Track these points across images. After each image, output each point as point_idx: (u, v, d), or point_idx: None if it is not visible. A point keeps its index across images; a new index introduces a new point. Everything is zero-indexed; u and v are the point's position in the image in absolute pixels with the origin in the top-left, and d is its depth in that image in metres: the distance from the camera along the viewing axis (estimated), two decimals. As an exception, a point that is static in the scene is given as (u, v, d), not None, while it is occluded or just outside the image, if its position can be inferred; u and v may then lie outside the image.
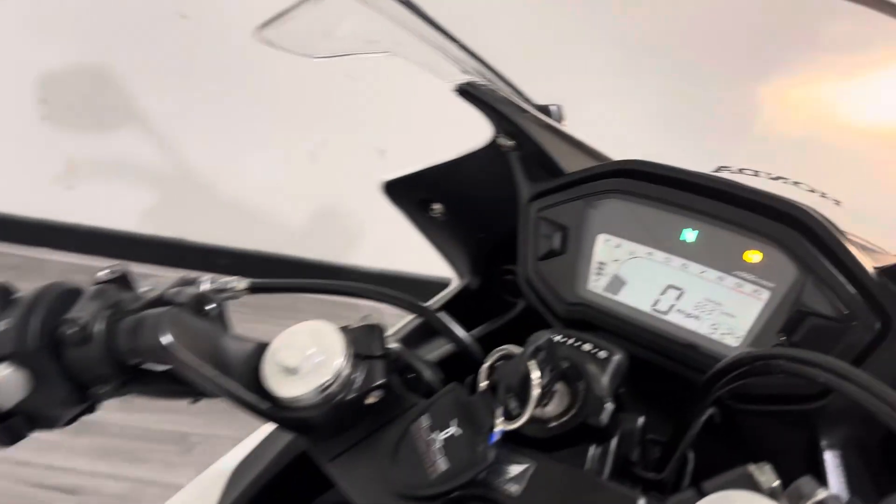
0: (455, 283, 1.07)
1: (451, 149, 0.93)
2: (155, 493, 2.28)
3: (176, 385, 0.63)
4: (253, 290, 0.71)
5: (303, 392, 0.61)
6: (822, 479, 0.65)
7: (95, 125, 2.85)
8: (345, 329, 0.66)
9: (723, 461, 0.74)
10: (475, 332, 0.89)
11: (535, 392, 0.57)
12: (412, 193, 0.97)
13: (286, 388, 0.62)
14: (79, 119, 2.84)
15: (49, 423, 0.63)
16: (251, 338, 0.65)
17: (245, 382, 0.63)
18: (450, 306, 1.04)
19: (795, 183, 0.82)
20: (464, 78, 0.78)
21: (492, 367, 0.63)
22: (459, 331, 0.69)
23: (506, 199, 0.88)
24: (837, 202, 0.80)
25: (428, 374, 0.71)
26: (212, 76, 2.70)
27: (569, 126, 0.91)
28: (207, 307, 0.67)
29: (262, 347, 0.65)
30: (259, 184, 2.92)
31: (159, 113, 2.80)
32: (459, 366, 0.71)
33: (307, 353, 0.62)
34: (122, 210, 3.04)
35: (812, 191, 0.81)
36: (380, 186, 0.96)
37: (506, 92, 0.81)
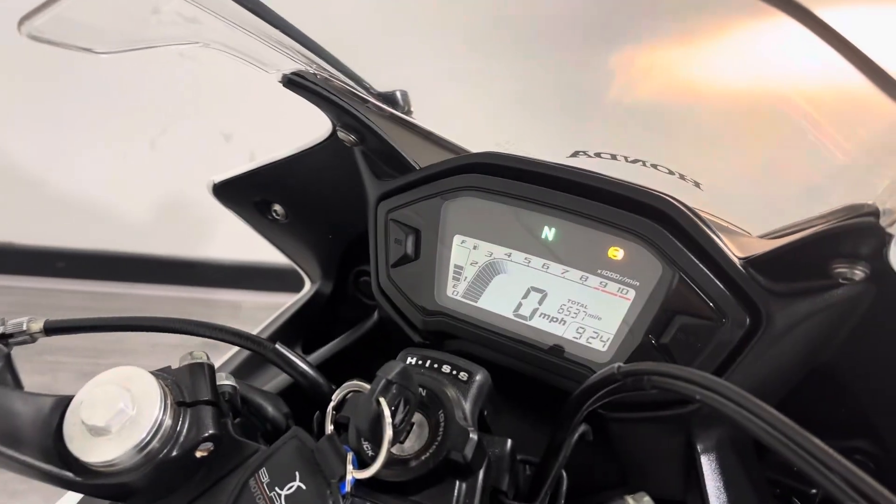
0: (306, 288, 0.98)
1: (306, 132, 0.83)
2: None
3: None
4: (49, 331, 0.59)
5: (117, 454, 0.52)
6: (699, 482, 0.61)
7: None
8: (164, 372, 0.57)
9: (598, 474, 0.70)
10: (328, 349, 0.81)
11: (388, 433, 0.50)
12: (247, 195, 0.87)
13: (95, 451, 0.52)
14: None
15: None
16: (47, 394, 0.55)
17: (42, 449, 0.52)
18: (304, 313, 0.95)
19: (653, 165, 0.78)
20: (291, 67, 0.68)
21: (340, 404, 0.55)
22: (303, 364, 0.61)
23: (353, 198, 0.80)
24: (697, 184, 0.77)
25: (271, 411, 0.63)
26: (30, 64, 2.44)
27: (417, 115, 0.84)
28: (-11, 361, 0.55)
29: (62, 404, 0.54)
30: (95, 178, 2.69)
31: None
32: (306, 395, 0.63)
33: (117, 408, 0.52)
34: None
35: (671, 173, 0.77)
36: (208, 188, 0.86)
37: (343, 81, 0.72)
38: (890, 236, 0.51)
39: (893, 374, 0.62)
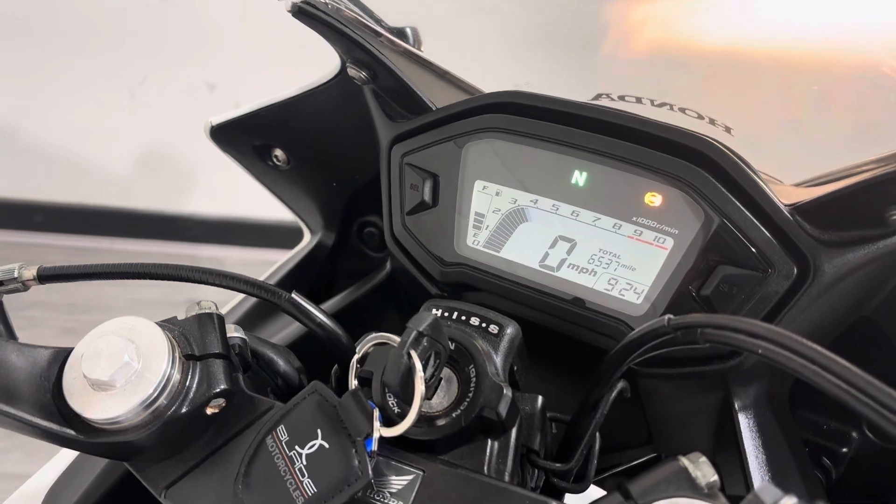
0: (306, 239, 0.94)
1: (295, 77, 0.78)
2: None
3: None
4: (42, 278, 0.55)
5: (121, 411, 0.47)
6: (736, 440, 0.58)
7: None
8: (170, 323, 0.52)
9: (622, 432, 0.67)
10: (336, 301, 0.77)
11: (421, 388, 0.46)
12: (247, 138, 0.82)
13: (98, 407, 0.48)
14: None
15: None
16: (44, 346, 0.50)
17: (39, 405, 0.48)
18: (305, 265, 0.91)
19: (682, 109, 0.74)
20: (302, -5, 0.63)
21: (363, 358, 0.51)
22: (321, 315, 0.56)
23: (362, 143, 0.75)
24: (728, 129, 0.73)
25: (283, 365, 0.59)
26: (1, 8, 2.33)
27: (428, 52, 0.78)
28: (-22, 310, 0.50)
29: (61, 356, 0.50)
30: (72, 128, 2.60)
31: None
32: (317, 347, 0.59)
33: (122, 361, 0.48)
34: None
35: (700, 117, 0.73)
36: (205, 130, 0.80)
37: (355, 11, 0.67)
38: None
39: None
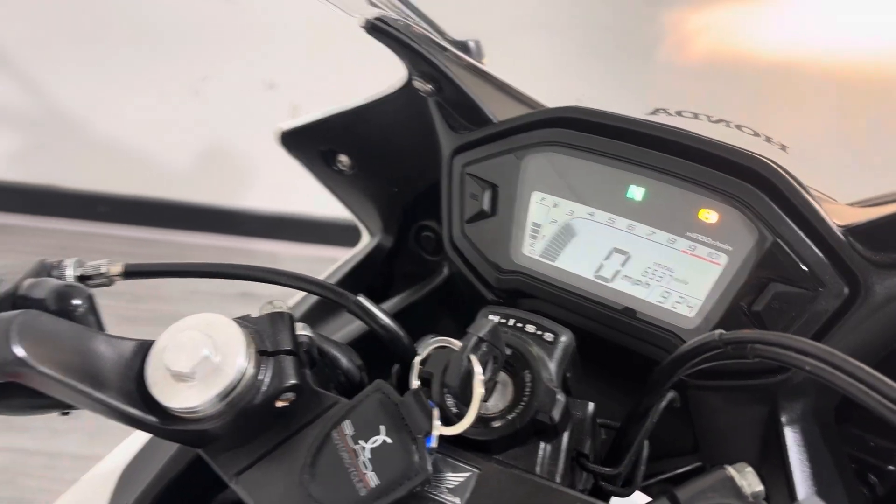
0: (365, 240, 0.97)
1: (351, 82, 0.81)
2: (39, 463, 2.12)
3: (40, 399, 0.52)
4: (128, 274, 0.59)
5: (199, 402, 0.51)
6: (781, 453, 0.60)
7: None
8: (245, 320, 0.56)
9: (669, 440, 0.69)
10: (395, 303, 0.80)
11: (480, 391, 0.49)
12: (314, 144, 0.85)
13: (178, 397, 0.51)
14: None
15: None
16: (130, 338, 0.54)
17: (124, 392, 0.52)
18: (364, 266, 0.94)
19: (738, 127, 0.75)
20: (373, 11, 0.66)
21: (424, 360, 0.54)
22: (385, 318, 0.59)
23: (424, 151, 0.78)
24: (784, 147, 0.74)
25: (346, 363, 0.62)
26: (77, 8, 2.42)
27: (489, 66, 0.81)
28: (74, 302, 0.54)
29: (144, 348, 0.54)
30: (138, 123, 2.68)
31: (15, 48, 2.50)
32: (377, 346, 0.62)
33: (201, 355, 0.51)
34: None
35: (756, 135, 0.74)
36: (275, 136, 0.84)
37: (423, 27, 0.70)
38: None
39: None
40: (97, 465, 0.77)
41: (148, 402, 0.52)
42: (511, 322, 0.57)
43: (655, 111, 0.76)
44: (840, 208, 0.64)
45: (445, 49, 0.71)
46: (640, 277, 0.63)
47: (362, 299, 0.58)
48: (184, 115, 2.66)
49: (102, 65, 2.56)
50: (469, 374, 0.49)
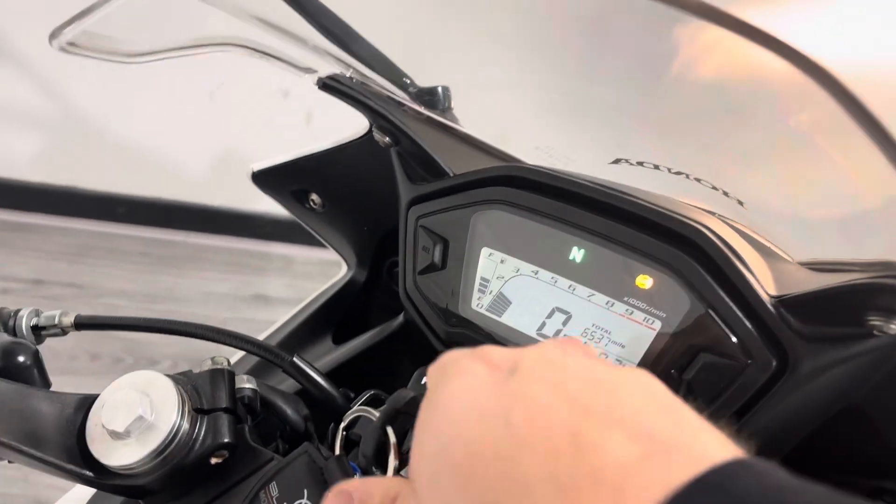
0: (342, 273, 0.99)
1: None
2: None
3: (-17, 451, 0.54)
4: (79, 326, 0.61)
5: (134, 459, 0.53)
6: None
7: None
8: (183, 377, 0.58)
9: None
10: (353, 346, 0.82)
11: (393, 463, 0.50)
12: (285, 183, 0.88)
13: (115, 454, 0.54)
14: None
15: None
16: (72, 393, 0.56)
17: (64, 448, 0.54)
18: (338, 300, 0.96)
19: (697, 179, 0.76)
20: (327, 70, 0.68)
21: (350, 424, 0.56)
22: (319, 378, 0.61)
23: (389, 193, 0.80)
24: (741, 202, 0.74)
25: (291, 414, 0.64)
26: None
27: (457, 111, 0.82)
28: (19, 359, 0.57)
29: (86, 403, 0.56)
30: (154, 127, 2.73)
31: (36, 53, 2.56)
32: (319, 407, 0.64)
33: (137, 413, 0.53)
34: (7, 156, 2.81)
35: (714, 188, 0.75)
36: (247, 175, 0.86)
37: (379, 84, 0.71)
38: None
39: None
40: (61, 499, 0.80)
41: (87, 457, 0.55)
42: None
43: (617, 160, 0.77)
44: (788, 268, 0.65)
45: (402, 105, 0.72)
46: (580, 337, 0.64)
47: (297, 360, 0.60)
48: (199, 120, 2.70)
49: (122, 70, 2.60)
50: (384, 445, 0.50)
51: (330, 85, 0.68)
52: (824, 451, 0.65)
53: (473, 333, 0.68)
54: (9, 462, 0.59)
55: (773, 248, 0.70)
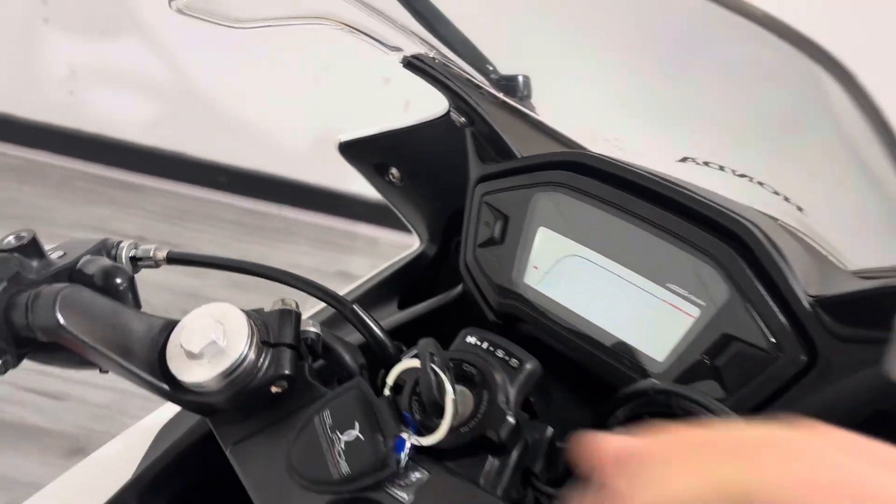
0: (414, 246, 1.05)
1: None
2: (138, 405, 2.33)
3: (79, 358, 0.62)
4: (171, 260, 0.69)
5: (205, 378, 0.60)
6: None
7: (97, 33, 2.79)
8: (256, 313, 0.64)
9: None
10: (413, 311, 0.87)
11: (450, 412, 0.55)
12: (368, 156, 0.94)
13: (189, 372, 0.60)
14: (80, 25, 2.78)
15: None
16: (159, 317, 0.64)
17: (147, 363, 0.61)
18: (407, 270, 1.02)
19: (760, 183, 0.77)
20: (412, 50, 0.73)
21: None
22: (374, 326, 0.67)
23: (461, 172, 0.85)
24: (800, 208, 0.76)
25: (348, 360, 0.69)
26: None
27: (536, 101, 0.86)
28: (117, 280, 0.65)
29: (169, 327, 0.63)
30: (261, 103, 2.87)
31: (161, 25, 2.73)
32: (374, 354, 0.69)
33: (211, 339, 0.60)
34: (124, 120, 3.01)
35: (776, 193, 0.76)
36: (335, 145, 0.93)
37: (460, 66, 0.76)
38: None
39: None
40: (140, 421, 0.88)
41: (166, 373, 0.62)
42: (485, 345, 0.63)
43: (684, 159, 0.79)
44: (837, 275, 0.66)
45: (480, 88, 0.77)
46: (623, 319, 0.67)
47: (356, 307, 0.66)
48: (303, 100, 2.82)
49: (236, 48, 2.75)
50: (440, 389, 0.55)
51: (413, 63, 0.73)
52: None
53: (523, 307, 0.73)
54: (101, 371, 0.68)
55: (826, 254, 0.71)
